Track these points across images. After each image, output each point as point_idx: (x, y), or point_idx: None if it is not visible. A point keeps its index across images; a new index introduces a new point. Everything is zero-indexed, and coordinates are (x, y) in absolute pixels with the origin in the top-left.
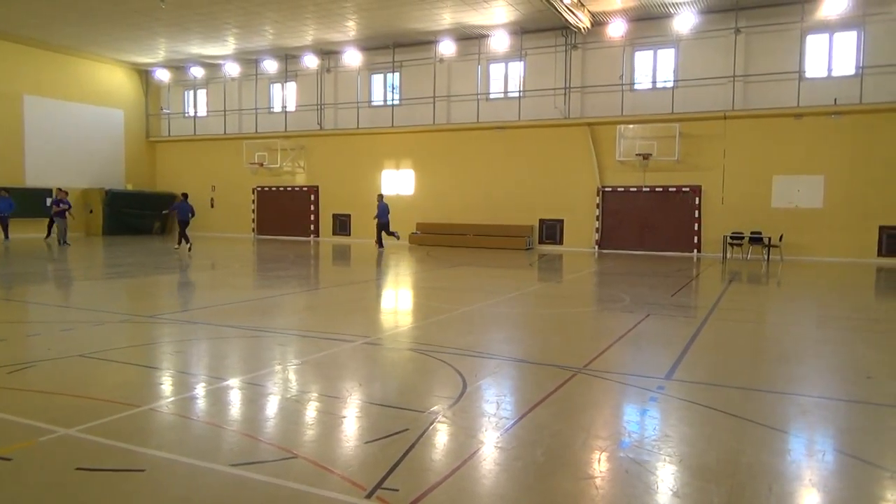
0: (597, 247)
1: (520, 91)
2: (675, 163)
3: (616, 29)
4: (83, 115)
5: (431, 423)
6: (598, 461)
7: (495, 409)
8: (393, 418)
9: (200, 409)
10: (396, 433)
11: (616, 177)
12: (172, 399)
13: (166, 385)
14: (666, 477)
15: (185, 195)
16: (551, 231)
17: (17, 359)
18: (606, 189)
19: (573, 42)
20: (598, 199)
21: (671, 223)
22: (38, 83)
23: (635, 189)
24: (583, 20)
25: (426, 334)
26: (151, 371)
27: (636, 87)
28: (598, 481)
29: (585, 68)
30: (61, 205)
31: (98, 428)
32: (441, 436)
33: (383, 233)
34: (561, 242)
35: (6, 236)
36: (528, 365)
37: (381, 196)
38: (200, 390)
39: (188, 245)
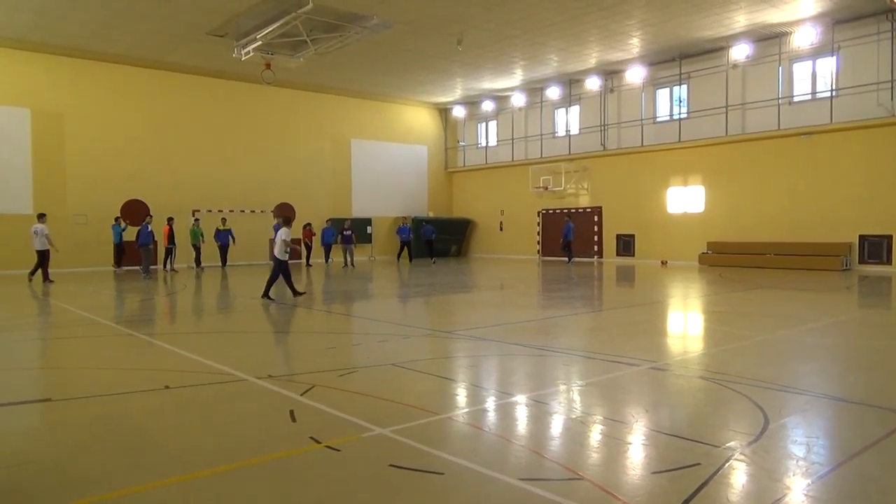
0: None
1: (831, 90)
2: None
3: None
4: (395, 152)
5: (727, 460)
6: None
7: (804, 453)
8: (683, 450)
9: (491, 422)
10: (687, 466)
11: None
12: (466, 410)
13: (461, 396)
14: None
15: (429, 221)
16: (875, 249)
17: (345, 364)
18: None
19: None
20: None
21: None
22: (361, 128)
23: None
24: None
25: (719, 362)
26: (449, 382)
27: None
28: None
29: None
30: (345, 233)
31: (406, 430)
32: (739, 475)
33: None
34: (889, 262)
35: (327, 259)
36: (846, 405)
37: (569, 216)
38: (491, 404)
39: (434, 260)
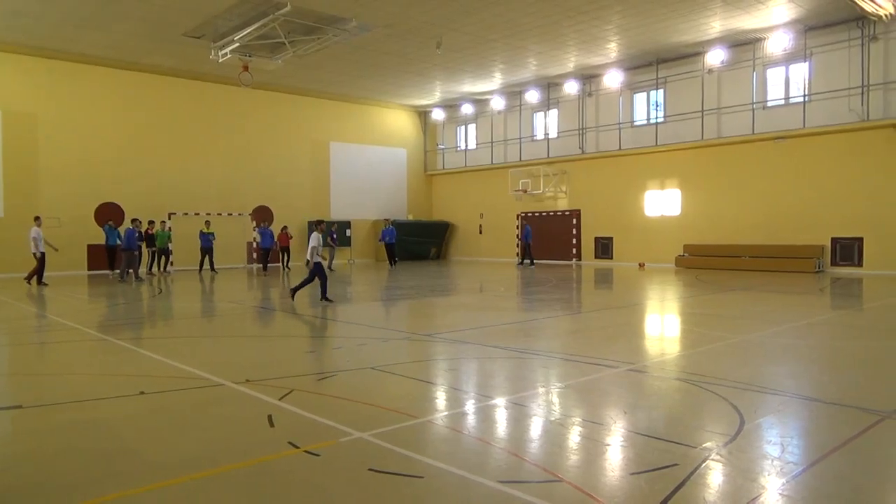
0: None
1: (804, 95)
2: None
3: None
4: (374, 155)
5: (704, 461)
6: None
7: (779, 452)
8: (660, 451)
9: (470, 425)
10: (665, 467)
11: None
12: (446, 413)
13: (441, 399)
14: None
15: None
16: (847, 251)
17: (324, 368)
18: None
19: (871, 33)
20: None
21: None
22: (341, 131)
23: None
24: (884, 6)
25: (696, 363)
26: (428, 385)
27: None
28: None
29: (889, 62)
30: (332, 235)
31: (385, 434)
32: (715, 475)
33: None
34: (860, 264)
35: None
36: (819, 404)
37: (526, 219)
38: (470, 407)
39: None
